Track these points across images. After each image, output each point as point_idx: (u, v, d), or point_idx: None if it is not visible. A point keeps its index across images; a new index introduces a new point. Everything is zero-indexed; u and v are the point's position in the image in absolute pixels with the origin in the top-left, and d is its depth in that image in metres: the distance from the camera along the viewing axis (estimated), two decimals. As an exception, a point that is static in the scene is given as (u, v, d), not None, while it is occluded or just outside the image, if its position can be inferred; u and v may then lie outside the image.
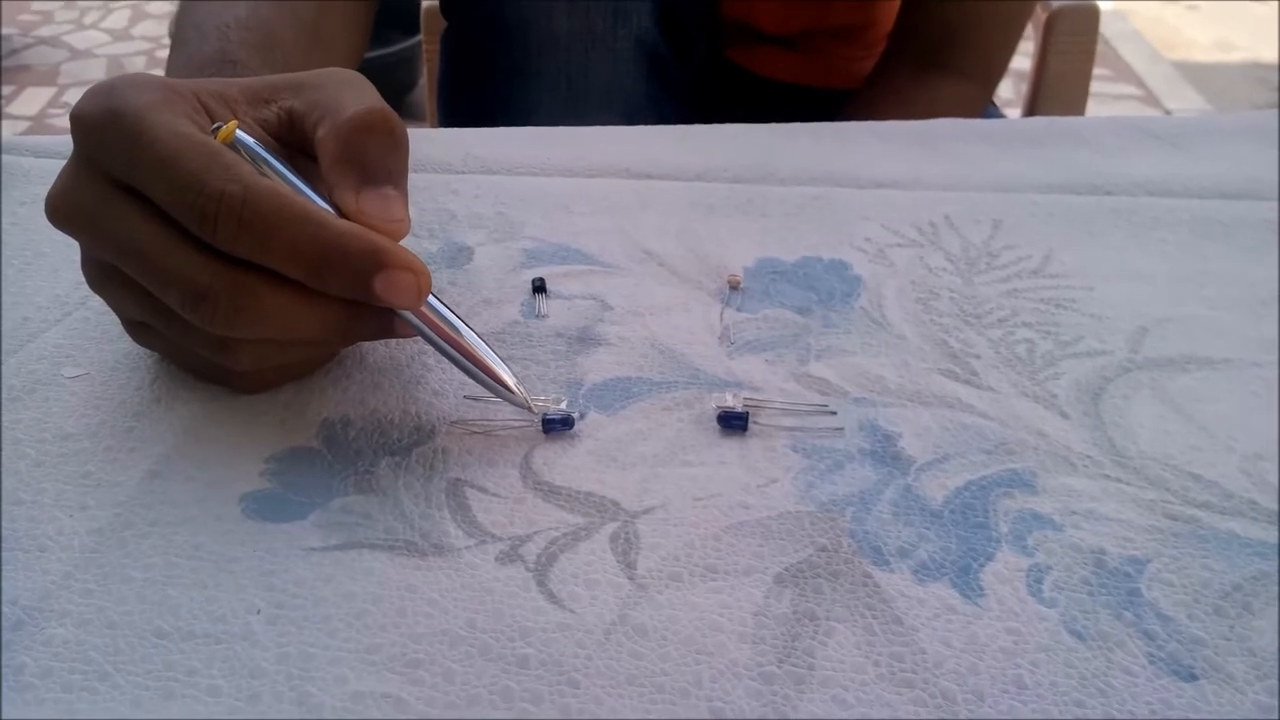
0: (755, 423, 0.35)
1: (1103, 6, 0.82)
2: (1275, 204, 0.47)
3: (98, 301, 0.40)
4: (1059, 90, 0.85)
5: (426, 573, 0.29)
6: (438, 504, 0.32)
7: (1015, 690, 0.27)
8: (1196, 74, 2.61)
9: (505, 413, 0.35)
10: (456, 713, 0.26)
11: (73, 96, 2.48)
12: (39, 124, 2.36)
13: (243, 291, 0.31)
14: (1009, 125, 0.55)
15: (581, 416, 0.35)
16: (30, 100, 2.48)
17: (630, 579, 0.29)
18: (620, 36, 0.64)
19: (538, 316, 0.40)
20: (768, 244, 0.44)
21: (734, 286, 0.41)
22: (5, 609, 0.28)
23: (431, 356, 0.37)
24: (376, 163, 0.33)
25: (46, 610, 0.28)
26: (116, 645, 0.27)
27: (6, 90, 2.51)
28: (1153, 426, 0.35)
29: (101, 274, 0.34)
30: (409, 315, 0.33)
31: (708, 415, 0.35)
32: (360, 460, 0.33)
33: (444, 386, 0.36)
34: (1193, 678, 0.27)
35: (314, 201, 0.33)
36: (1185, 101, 2.49)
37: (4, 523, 0.31)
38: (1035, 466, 0.33)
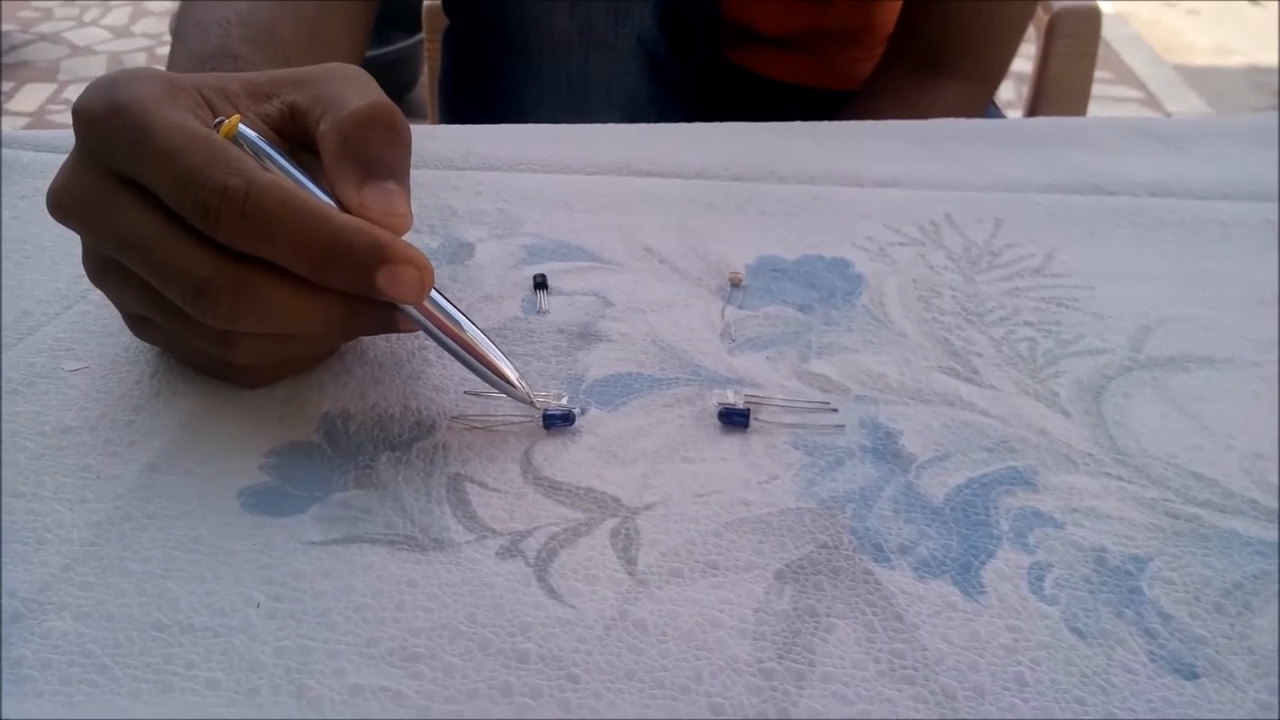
0: (756, 419, 0.35)
1: (1104, 9, 0.82)
2: (1274, 205, 0.47)
3: (98, 295, 0.40)
4: (1060, 92, 0.85)
5: (426, 567, 0.29)
6: (438, 499, 0.32)
7: (1016, 687, 0.26)
8: (1197, 78, 2.61)
9: (506, 408, 0.35)
10: (456, 707, 0.26)
11: (73, 93, 2.48)
12: (39, 120, 2.36)
13: (244, 285, 0.31)
14: (1011, 125, 0.55)
15: (582, 412, 0.35)
16: (30, 96, 2.48)
17: (630, 575, 0.29)
18: (621, 36, 0.64)
19: (539, 312, 0.40)
20: (769, 241, 0.44)
21: (735, 284, 0.41)
22: (4, 601, 0.28)
23: (432, 351, 0.37)
24: (379, 158, 0.33)
25: (45, 603, 0.28)
26: (115, 638, 0.27)
27: (6, 86, 2.51)
28: (1154, 425, 0.35)
29: (102, 268, 0.34)
30: (411, 310, 0.33)
31: (709, 412, 0.35)
32: (360, 455, 0.33)
33: (445, 382, 0.36)
34: (1194, 676, 0.27)
35: (317, 196, 0.33)
36: (1186, 105, 2.49)
37: (3, 515, 0.31)
38: (1036, 464, 0.33)
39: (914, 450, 0.34)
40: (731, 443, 0.34)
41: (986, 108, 0.74)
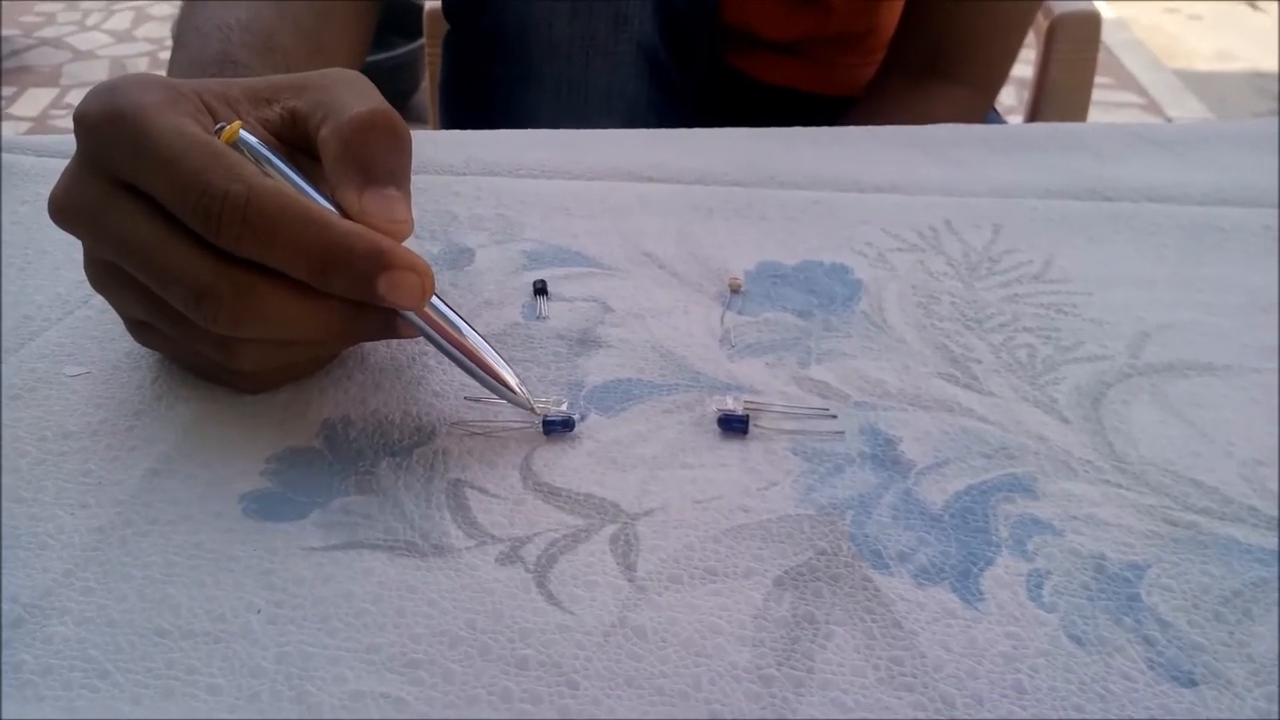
0: (756, 426, 0.35)
1: (1105, 15, 0.82)
2: (1273, 210, 0.47)
3: (99, 300, 0.40)
4: (1060, 98, 0.85)
5: (426, 573, 0.29)
6: (438, 504, 0.32)
7: (1014, 695, 0.27)
8: (1198, 83, 2.61)
9: (506, 414, 0.35)
10: (456, 713, 0.26)
11: (75, 98, 2.48)
12: (41, 125, 2.37)
13: (246, 291, 0.31)
14: (1010, 131, 0.55)
15: (582, 418, 0.35)
16: (32, 101, 2.48)
17: (630, 581, 0.29)
18: (621, 42, 0.64)
19: (539, 318, 0.40)
20: (768, 247, 0.44)
21: (735, 289, 0.41)
22: (6, 606, 0.28)
23: (433, 357, 0.37)
24: (379, 163, 0.33)
25: (47, 608, 0.28)
26: (116, 643, 0.27)
27: (9, 91, 2.51)
28: (1153, 432, 0.35)
29: (104, 273, 0.34)
30: (411, 315, 0.33)
31: (708, 418, 0.35)
32: (361, 460, 0.33)
33: (445, 387, 0.36)
34: (1192, 683, 0.27)
35: (317, 202, 0.33)
36: (1187, 110, 2.49)
37: (5, 520, 0.31)
38: (1035, 471, 0.33)
39: (913, 457, 0.34)
40: (731, 449, 0.34)
41: (987, 113, 0.74)
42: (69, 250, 0.42)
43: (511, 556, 0.30)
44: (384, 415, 0.35)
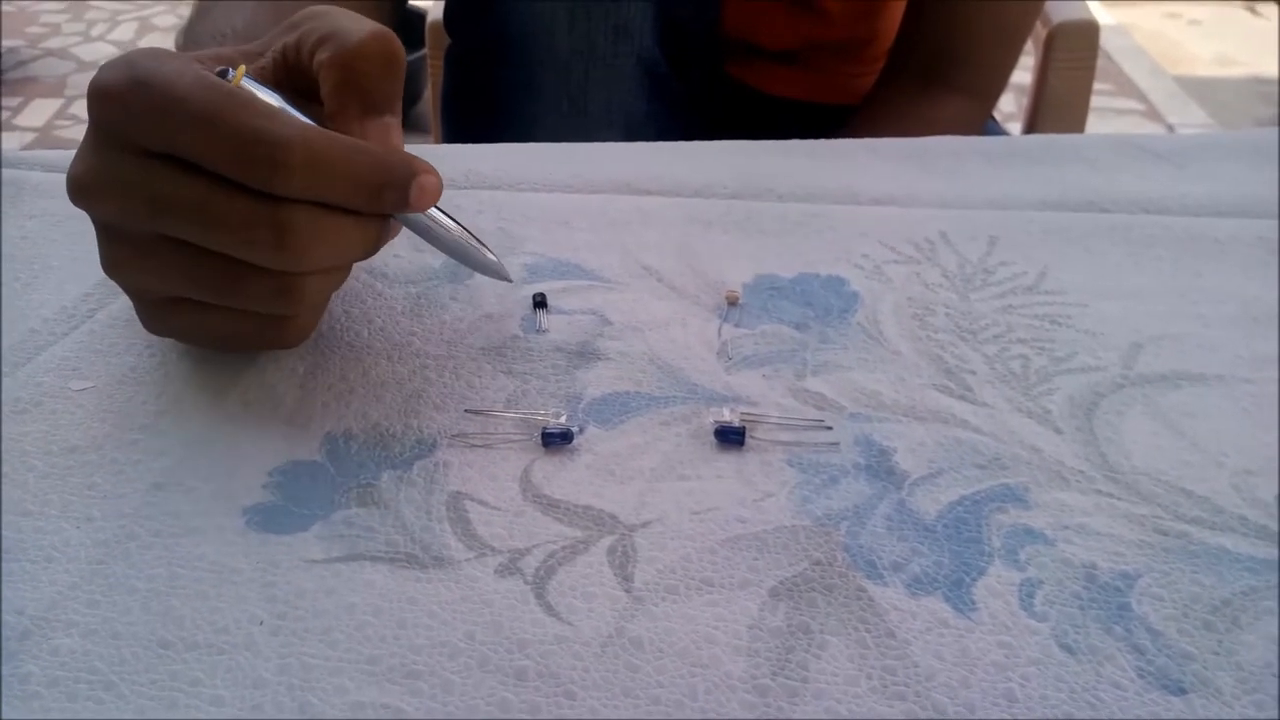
0: (752, 437, 0.35)
1: (1104, 22, 0.82)
2: (1268, 221, 0.48)
3: (104, 315, 0.40)
4: (1059, 106, 0.85)
5: (426, 585, 0.30)
6: (438, 517, 0.32)
7: (1006, 703, 0.27)
8: (1199, 89, 2.62)
9: (505, 427, 0.35)
10: (455, 723, 0.26)
11: (79, 109, 2.49)
12: (46, 135, 2.38)
13: (315, 221, 0.32)
14: (1006, 143, 0.55)
15: (580, 431, 0.35)
16: (37, 112, 2.49)
17: (627, 592, 0.30)
18: (621, 54, 0.65)
19: (538, 331, 0.40)
20: (766, 260, 0.45)
21: (732, 302, 0.42)
22: (12, 619, 0.29)
23: (433, 370, 0.38)
24: (377, 89, 0.35)
25: (52, 620, 0.29)
26: (121, 655, 0.28)
27: (13, 102, 2.53)
28: (1145, 442, 0.35)
29: (133, 250, 0.34)
30: (415, 216, 0.36)
31: (705, 430, 0.36)
32: (362, 473, 0.34)
33: (445, 401, 0.37)
34: (1182, 691, 0.27)
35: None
36: (1188, 116, 2.50)
37: (11, 534, 0.31)
38: (1028, 481, 0.34)
39: (907, 467, 0.34)
40: (727, 460, 0.34)
41: (986, 121, 0.75)
42: (75, 265, 0.43)
43: (510, 568, 0.30)
44: (385, 428, 0.35)
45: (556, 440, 0.35)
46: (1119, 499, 0.33)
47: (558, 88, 0.65)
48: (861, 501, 0.33)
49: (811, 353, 0.39)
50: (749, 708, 0.27)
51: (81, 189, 0.33)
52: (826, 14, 0.74)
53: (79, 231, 0.44)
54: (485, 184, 0.50)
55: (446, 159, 0.51)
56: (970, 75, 0.71)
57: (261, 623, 0.29)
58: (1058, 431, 0.36)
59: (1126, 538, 0.32)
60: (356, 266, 0.41)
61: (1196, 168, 0.52)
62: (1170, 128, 2.43)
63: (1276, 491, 0.33)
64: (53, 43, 2.87)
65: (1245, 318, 0.42)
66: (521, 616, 0.29)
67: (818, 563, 0.31)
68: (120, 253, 0.34)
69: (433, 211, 0.36)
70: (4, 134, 2.37)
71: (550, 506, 0.33)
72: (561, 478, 0.34)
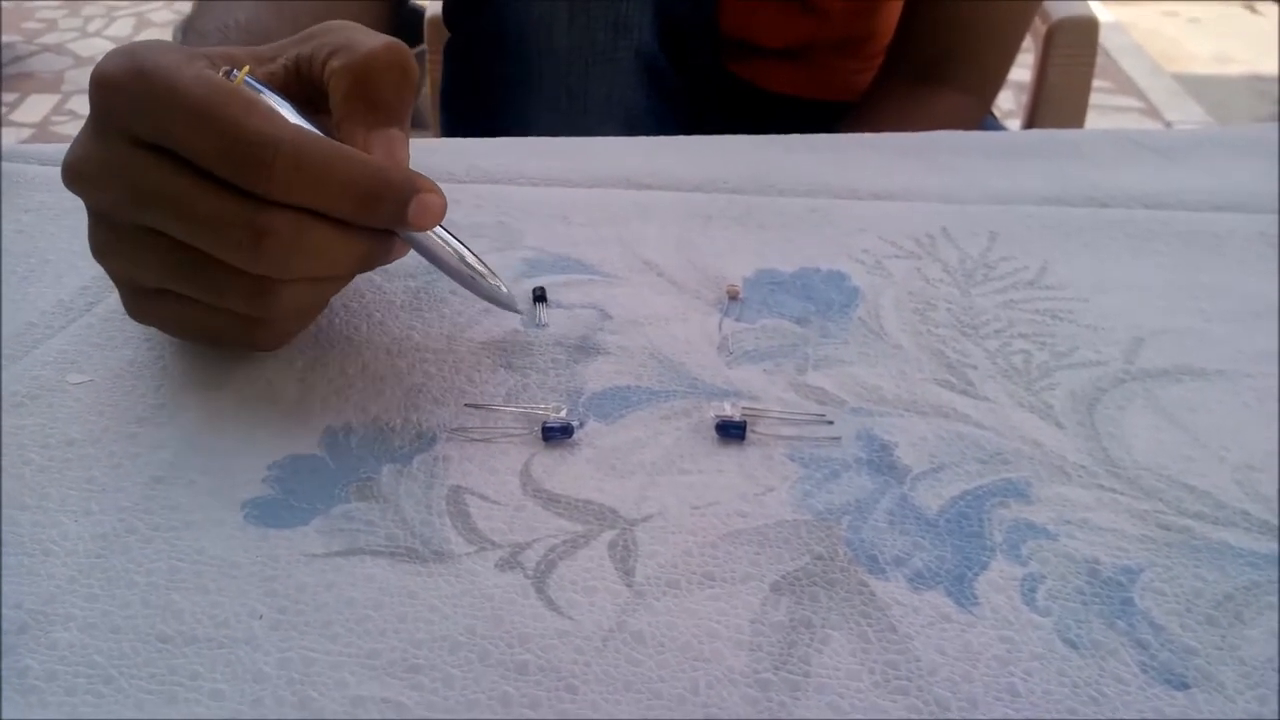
0: (753, 432, 0.35)
1: (1103, 19, 0.82)
2: (1268, 216, 0.48)
3: (102, 308, 0.40)
4: (1058, 102, 0.85)
5: (427, 579, 0.30)
6: (438, 511, 0.32)
7: (1008, 698, 0.27)
8: (1197, 86, 2.62)
9: (505, 421, 0.35)
10: (456, 718, 0.26)
11: (77, 104, 2.49)
12: (42, 131, 2.37)
13: (299, 229, 0.32)
14: (1006, 138, 0.55)
15: (581, 425, 0.35)
16: (34, 108, 2.49)
17: (628, 586, 0.30)
18: (621, 49, 0.65)
19: (538, 325, 0.40)
20: (766, 254, 0.45)
21: (733, 297, 0.42)
22: (10, 613, 0.28)
23: (433, 364, 0.38)
24: (387, 101, 0.35)
25: (51, 614, 0.28)
26: (120, 649, 0.28)
27: (11, 97, 2.52)
28: (1147, 437, 0.35)
29: (119, 238, 0.34)
30: (414, 235, 0.35)
31: (706, 424, 0.35)
32: (362, 467, 0.33)
33: (445, 395, 0.36)
34: (1184, 686, 0.27)
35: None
36: (1186, 114, 2.50)
37: (9, 527, 0.31)
38: (1030, 476, 0.34)
39: (909, 462, 0.34)
40: (728, 455, 0.34)
41: (984, 118, 0.75)
42: (72, 259, 0.43)
43: (511, 562, 0.30)
44: (385, 422, 0.35)
45: (557, 434, 0.35)
46: (1121, 494, 0.33)
47: (557, 82, 0.65)
48: (863, 496, 0.33)
49: (812, 347, 0.39)
50: (751, 702, 0.27)
51: (75, 174, 0.33)
52: (824, 12, 0.74)
53: (76, 225, 0.44)
54: (484, 178, 0.50)
55: (445, 153, 0.51)
56: (968, 72, 0.71)
57: (261, 617, 0.28)
58: (1059, 426, 0.36)
59: (1129, 532, 0.32)
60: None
61: (1193, 163, 0.52)
62: (1169, 125, 2.43)
63: (1278, 486, 0.33)
64: (49, 38, 2.86)
65: (1246, 312, 0.42)
66: (522, 611, 0.29)
67: (819, 557, 0.31)
68: (107, 239, 0.34)
69: (441, 234, 0.35)
70: (1, 129, 2.36)
71: (551, 501, 0.32)
72: (562, 472, 0.33)
